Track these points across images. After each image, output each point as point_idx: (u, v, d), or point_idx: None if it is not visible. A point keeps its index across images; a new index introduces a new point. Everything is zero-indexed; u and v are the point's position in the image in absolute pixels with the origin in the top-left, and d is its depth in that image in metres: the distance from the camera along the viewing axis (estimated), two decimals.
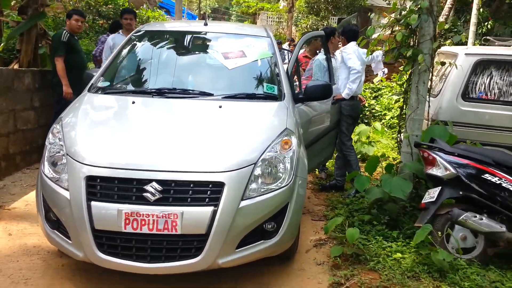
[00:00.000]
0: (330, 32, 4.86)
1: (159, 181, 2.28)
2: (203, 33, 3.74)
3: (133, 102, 2.90)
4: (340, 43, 4.98)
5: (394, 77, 9.60)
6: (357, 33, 4.76)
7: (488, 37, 5.78)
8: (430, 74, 3.79)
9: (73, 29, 5.11)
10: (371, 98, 8.89)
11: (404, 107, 3.96)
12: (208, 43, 3.65)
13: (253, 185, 2.44)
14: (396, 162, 4.55)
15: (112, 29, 6.04)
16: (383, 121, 8.23)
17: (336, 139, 4.72)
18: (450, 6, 11.53)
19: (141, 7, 13.18)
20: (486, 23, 12.72)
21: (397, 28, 3.95)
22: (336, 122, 4.54)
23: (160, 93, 3.03)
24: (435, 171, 3.19)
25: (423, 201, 3.22)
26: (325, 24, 20.81)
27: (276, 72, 3.39)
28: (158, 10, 15.57)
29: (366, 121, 8.26)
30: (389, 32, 4.07)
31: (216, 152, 2.48)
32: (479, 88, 4.72)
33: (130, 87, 3.26)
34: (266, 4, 28.91)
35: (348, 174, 4.51)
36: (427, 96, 3.78)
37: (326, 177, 5.34)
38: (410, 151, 3.75)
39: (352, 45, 4.54)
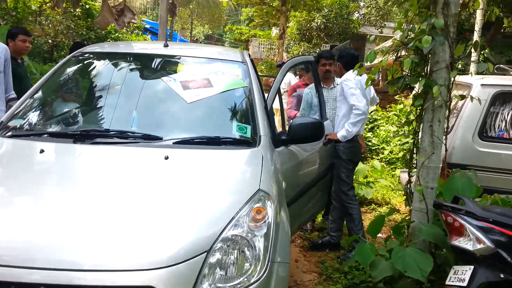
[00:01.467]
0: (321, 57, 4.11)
1: None
2: (160, 56, 2.95)
3: (42, 151, 2.04)
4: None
5: (390, 107, 8.89)
6: (356, 59, 4.01)
7: (501, 65, 5.08)
8: (447, 111, 3.01)
9: (19, 50, 4.32)
10: (367, 130, 8.17)
11: (415, 152, 3.15)
12: (165, 69, 2.85)
13: (205, 285, 1.60)
14: (405, 216, 3.72)
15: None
16: (380, 155, 7.47)
17: (330, 188, 3.89)
18: None
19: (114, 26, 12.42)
20: (482, 52, 12.27)
21: (403, 53, 3.20)
22: (329, 167, 3.72)
23: (85, 136, 2.20)
24: (464, 243, 2.35)
25: (448, 283, 2.38)
26: (317, 51, 20.40)
27: (251, 108, 2.59)
28: (143, 34, 14.93)
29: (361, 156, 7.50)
30: (391, 57, 3.33)
31: (147, 235, 1.62)
32: (499, 125, 3.96)
33: (47, 128, 2.40)
34: (259, 32, 28.69)
35: (349, 237, 3.65)
36: (444, 138, 3.00)
37: (312, 228, 4.48)
38: (424, 209, 2.92)
39: (353, 74, 3.74)
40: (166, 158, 2.03)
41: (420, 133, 3.08)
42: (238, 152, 2.23)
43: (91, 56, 2.92)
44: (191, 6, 28.38)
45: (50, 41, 11.69)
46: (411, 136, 3.13)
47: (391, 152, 7.12)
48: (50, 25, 12.07)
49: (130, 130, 2.28)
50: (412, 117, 3.17)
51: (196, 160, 2.12)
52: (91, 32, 12.04)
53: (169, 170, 2.00)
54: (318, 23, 19.81)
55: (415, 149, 3.15)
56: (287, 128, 4.91)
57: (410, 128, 3.29)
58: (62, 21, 11.67)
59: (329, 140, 3.56)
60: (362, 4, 22.77)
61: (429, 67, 3.02)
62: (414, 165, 3.20)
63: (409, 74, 3.12)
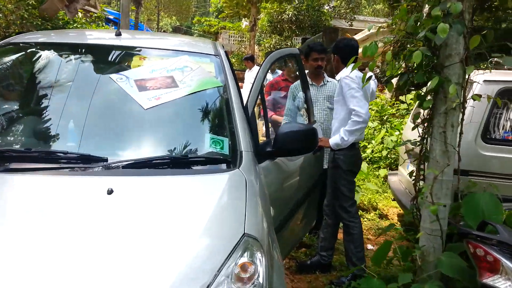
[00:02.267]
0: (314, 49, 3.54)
1: None
2: (110, 48, 2.31)
3: None
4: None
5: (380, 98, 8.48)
6: (357, 52, 3.37)
7: (496, 59, 4.68)
8: (461, 114, 2.53)
9: None
10: None
11: (422, 162, 2.66)
12: (115, 65, 2.21)
13: None
14: (397, 222, 3.24)
15: None
16: (362, 154, 7.05)
17: (320, 200, 3.37)
18: None
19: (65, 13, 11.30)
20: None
21: (409, 46, 2.69)
22: (318, 178, 3.19)
23: None
24: (500, 283, 1.88)
25: None
26: (288, 44, 19.90)
27: (228, 114, 2.01)
28: (106, 25, 13.90)
29: None
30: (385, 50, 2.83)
31: None
32: (503, 126, 3.54)
33: None
34: (228, 24, 27.92)
35: (351, 268, 3.12)
36: (457, 146, 2.52)
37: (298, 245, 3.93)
38: (437, 231, 2.44)
39: (354, 71, 3.12)
40: (110, 192, 1.42)
41: (429, 140, 2.59)
42: (213, 178, 1.64)
43: (17, 48, 2.24)
44: None
45: (1, 32, 10.63)
46: (418, 143, 2.64)
47: (372, 150, 6.70)
48: (0, 15, 10.98)
49: (62, 150, 1.65)
50: (417, 118, 2.67)
51: (153, 194, 1.51)
52: (48, 22, 11.03)
53: (113, 213, 1.39)
54: (290, 15, 19.30)
55: (422, 159, 2.66)
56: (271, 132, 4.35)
57: (415, 136, 2.79)
58: (14, 11, 10.61)
59: (319, 147, 3.00)
60: None
61: (438, 61, 2.53)
62: (421, 177, 2.71)
63: (414, 70, 2.61)
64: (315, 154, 2.94)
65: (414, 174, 2.73)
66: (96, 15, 11.54)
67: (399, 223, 4.80)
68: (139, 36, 2.63)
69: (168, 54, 2.34)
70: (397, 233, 4.53)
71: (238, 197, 1.56)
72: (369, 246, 4.08)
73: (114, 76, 2.04)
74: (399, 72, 2.73)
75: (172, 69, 2.16)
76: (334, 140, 3.06)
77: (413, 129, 2.76)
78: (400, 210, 4.99)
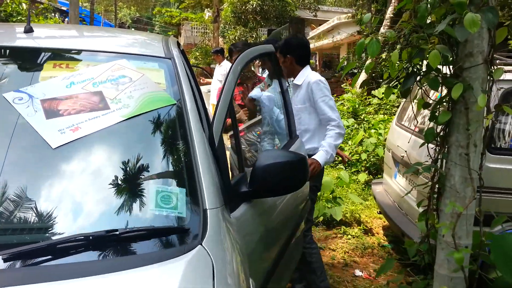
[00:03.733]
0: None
1: None
2: (11, 51, 1.60)
3: None
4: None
5: (336, 97, 7.97)
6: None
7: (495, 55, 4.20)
8: (484, 127, 2.01)
9: None
10: None
11: (436, 191, 2.12)
12: (15, 77, 1.51)
13: None
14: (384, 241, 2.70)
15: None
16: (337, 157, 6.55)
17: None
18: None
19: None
20: None
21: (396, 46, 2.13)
22: (305, 206, 2.59)
23: None
24: None
25: None
26: (254, 36, 19.24)
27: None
28: (60, 17, 12.72)
29: None
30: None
31: None
32: (510, 133, 3.08)
33: None
34: (191, 14, 26.84)
35: None
36: (480, 168, 1.99)
37: None
38: (462, 281, 1.91)
39: (316, 74, 2.69)
40: None
41: (444, 163, 2.05)
42: (160, 272, 1.00)
43: None
44: None
45: None
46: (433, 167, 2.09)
47: (350, 153, 6.21)
48: None
49: None
50: (429, 137, 2.11)
51: None
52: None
53: None
54: (254, 6, 18.60)
55: (436, 185, 2.11)
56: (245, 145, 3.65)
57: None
58: None
59: (311, 171, 2.42)
60: None
61: (457, 62, 1.98)
62: (433, 208, 2.17)
63: (424, 72, 2.06)
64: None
65: (424, 205, 2.18)
66: (42, 5, 10.44)
67: (385, 238, 4.32)
68: (60, 33, 1.92)
69: (99, 58, 1.65)
70: (385, 252, 4.06)
71: None
72: (357, 272, 3.56)
73: (9, 95, 1.35)
74: (403, 75, 2.18)
75: (102, 81, 1.49)
76: (322, 158, 2.50)
77: (421, 146, 2.21)
78: (385, 222, 4.51)
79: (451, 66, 2.00)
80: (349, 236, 4.22)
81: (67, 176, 1.20)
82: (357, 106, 7.04)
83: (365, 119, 6.79)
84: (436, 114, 2.05)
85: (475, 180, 1.93)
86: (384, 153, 4.79)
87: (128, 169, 1.27)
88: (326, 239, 4.19)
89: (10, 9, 10.20)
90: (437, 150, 2.09)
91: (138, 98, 1.46)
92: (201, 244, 1.10)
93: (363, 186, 5.59)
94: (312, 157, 2.50)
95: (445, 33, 1.88)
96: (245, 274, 1.33)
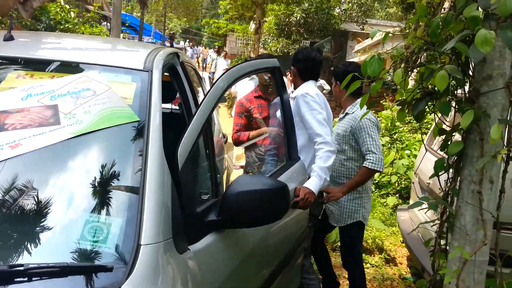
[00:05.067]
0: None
1: None
2: None
3: None
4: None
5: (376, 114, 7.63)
6: (319, 67, 2.74)
7: None
8: (504, 162, 1.73)
9: None
10: None
11: (444, 231, 1.85)
12: None
13: None
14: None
15: None
16: None
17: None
18: None
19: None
20: None
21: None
22: (299, 240, 2.37)
23: None
24: None
25: None
26: (296, 48, 19.12)
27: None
28: (99, 25, 13.18)
29: None
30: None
31: None
32: None
33: None
34: (237, 26, 27.23)
35: None
36: (497, 208, 1.72)
37: None
38: None
39: (314, 88, 2.53)
40: None
41: (455, 201, 1.79)
42: None
43: None
44: None
45: None
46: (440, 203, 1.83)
47: (380, 173, 5.87)
48: None
49: None
50: (439, 168, 1.85)
51: None
52: (38, 22, 10.37)
53: None
54: (298, 18, 18.51)
55: (445, 228, 1.85)
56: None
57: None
58: None
59: (301, 202, 2.17)
60: None
61: (471, 86, 1.73)
62: (442, 248, 1.90)
63: (436, 95, 1.82)
64: (294, 208, 2.14)
65: (431, 244, 1.92)
66: (89, 14, 10.87)
67: (409, 269, 3.98)
68: (42, 42, 1.87)
69: (69, 69, 1.57)
70: (406, 285, 3.73)
71: None
72: None
73: None
74: (414, 97, 1.94)
75: (61, 94, 1.40)
76: (315, 186, 2.25)
77: (431, 177, 1.95)
78: None
79: (466, 89, 1.75)
80: (368, 265, 3.92)
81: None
82: (393, 124, 6.66)
83: (398, 138, 6.41)
84: (449, 143, 1.80)
85: (488, 221, 1.66)
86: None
87: (59, 193, 1.15)
88: (342, 266, 3.92)
89: (60, 17, 10.70)
90: (449, 184, 1.83)
91: (95, 114, 1.35)
92: (122, 286, 0.95)
93: (391, 210, 5.24)
94: (304, 184, 2.24)
95: (459, 52, 1.65)
96: None
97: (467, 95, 1.73)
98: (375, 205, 5.19)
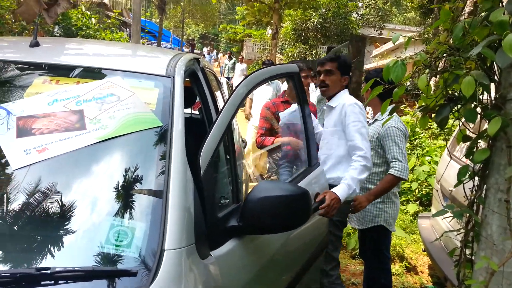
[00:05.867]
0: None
1: None
2: (9, 64, 1.59)
3: None
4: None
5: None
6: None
7: None
8: None
9: None
10: None
11: (469, 241, 1.81)
12: (5, 92, 1.48)
13: None
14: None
15: None
16: None
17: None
18: None
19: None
20: None
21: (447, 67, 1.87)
22: (322, 243, 2.35)
23: None
24: None
25: None
26: (313, 53, 19.07)
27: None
28: (119, 31, 13.41)
29: None
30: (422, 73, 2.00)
31: None
32: None
33: None
34: (254, 31, 27.35)
35: None
36: None
37: None
38: None
39: (352, 97, 2.50)
40: None
41: (480, 210, 1.75)
42: None
43: None
44: (182, 4, 27.01)
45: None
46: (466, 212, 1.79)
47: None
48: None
49: None
50: (463, 176, 1.82)
51: None
52: (60, 27, 10.59)
53: None
54: (315, 23, 18.48)
55: (471, 236, 1.81)
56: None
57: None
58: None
59: (326, 208, 2.15)
60: (360, 4, 21.54)
61: (498, 93, 1.69)
62: (467, 258, 1.86)
63: (461, 101, 1.79)
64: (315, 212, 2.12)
65: (456, 254, 1.88)
66: (109, 21, 11.06)
67: (430, 278, 3.90)
68: (66, 48, 1.91)
69: (93, 74, 1.60)
70: None
71: None
72: None
73: None
74: (438, 103, 1.91)
75: (87, 99, 1.42)
76: (343, 193, 2.23)
77: (455, 186, 1.91)
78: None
79: (492, 96, 1.71)
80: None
81: (18, 199, 1.12)
82: (413, 129, 6.56)
83: (419, 144, 6.31)
84: (474, 150, 1.76)
85: None
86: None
87: (84, 197, 1.17)
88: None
89: (81, 23, 10.91)
90: (474, 192, 1.79)
91: (120, 119, 1.36)
92: None
93: (412, 218, 5.16)
94: (332, 189, 2.25)
95: (485, 58, 1.61)
96: None
97: (494, 101, 1.69)
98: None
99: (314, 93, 6.00)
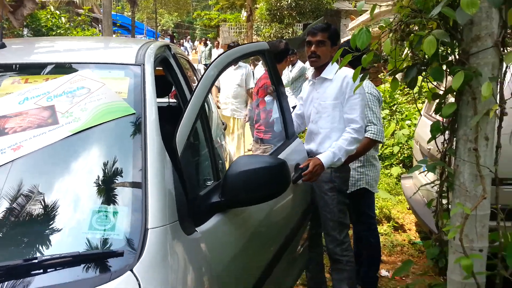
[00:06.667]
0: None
1: None
2: None
3: None
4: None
5: None
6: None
7: None
8: (498, 119, 1.75)
9: None
10: None
11: (444, 191, 1.89)
12: None
13: None
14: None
15: None
16: None
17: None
18: None
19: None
20: None
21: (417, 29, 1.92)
22: (305, 214, 2.41)
23: None
24: None
25: None
26: (290, 32, 18.99)
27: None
28: (115, 31, 13.17)
29: None
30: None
31: None
32: None
33: None
34: (228, 15, 27.05)
35: None
36: (495, 164, 1.75)
37: None
38: (474, 285, 1.69)
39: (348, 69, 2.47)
40: None
41: (453, 160, 1.82)
42: None
43: None
44: None
45: None
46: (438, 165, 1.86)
47: (383, 145, 5.89)
48: None
49: None
50: (435, 131, 1.89)
51: None
52: (29, 29, 10.36)
53: None
54: (289, 1, 18.35)
55: (444, 184, 1.88)
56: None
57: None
58: None
59: (308, 174, 2.23)
60: None
61: (460, 47, 1.75)
62: (445, 208, 1.95)
63: (427, 61, 1.84)
64: (296, 182, 2.18)
65: (434, 205, 1.96)
66: (79, 18, 10.84)
67: (418, 234, 4.03)
68: (33, 47, 1.90)
69: (62, 70, 1.60)
70: (416, 249, 3.78)
71: None
72: (383, 272, 3.33)
73: None
74: (405, 66, 1.96)
75: (57, 94, 1.43)
76: (327, 159, 2.29)
77: (429, 141, 1.98)
78: None
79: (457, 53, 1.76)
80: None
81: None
82: (391, 96, 6.65)
83: (398, 110, 6.42)
84: (443, 106, 1.82)
85: (487, 177, 1.69)
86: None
87: (65, 189, 1.20)
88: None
89: (51, 23, 10.69)
90: (445, 145, 1.86)
91: (91, 110, 1.38)
92: (131, 270, 1.00)
93: (396, 180, 5.28)
94: (317, 155, 2.31)
95: (446, 17, 1.66)
96: None
97: (458, 57, 1.75)
98: (380, 177, 5.21)
99: (286, 71, 5.94)
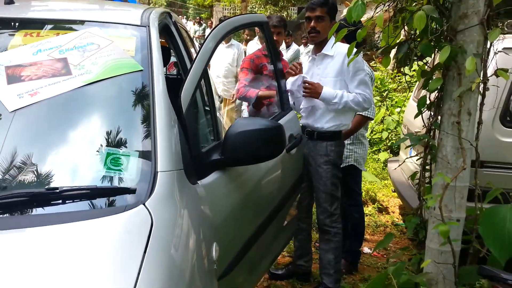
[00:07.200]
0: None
1: None
2: None
3: None
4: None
5: None
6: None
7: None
8: (481, 95, 1.88)
9: None
10: None
11: (428, 162, 2.03)
12: None
13: None
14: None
15: None
16: None
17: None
18: None
19: None
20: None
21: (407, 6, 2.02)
22: (296, 183, 2.53)
23: None
24: None
25: None
26: (284, 15, 18.92)
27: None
28: None
29: None
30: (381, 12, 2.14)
31: None
32: None
33: None
34: None
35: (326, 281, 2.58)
36: (476, 138, 1.88)
37: None
38: (450, 254, 1.84)
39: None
40: None
41: (437, 134, 1.95)
42: (89, 227, 1.01)
43: None
44: None
45: None
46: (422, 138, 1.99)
47: (372, 130, 6.04)
48: None
49: None
50: (422, 102, 2.01)
51: None
52: None
53: None
54: None
55: (428, 157, 2.02)
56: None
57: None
58: None
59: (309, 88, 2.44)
60: None
61: (448, 25, 1.86)
62: (427, 181, 2.08)
63: (417, 38, 1.95)
64: (289, 152, 2.29)
65: (417, 177, 2.10)
66: None
67: (401, 217, 4.21)
68: (41, 4, 1.95)
69: (71, 26, 1.67)
70: (398, 230, 3.96)
71: (129, 257, 0.95)
72: (365, 249, 3.49)
73: None
74: (397, 42, 2.07)
75: (69, 48, 1.50)
76: (327, 93, 2.45)
77: (415, 116, 2.11)
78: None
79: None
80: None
81: (19, 135, 1.24)
82: (381, 82, 6.78)
83: (388, 96, 6.56)
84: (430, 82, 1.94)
85: (468, 150, 1.82)
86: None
87: (83, 131, 1.30)
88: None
89: None
90: (430, 119, 1.99)
91: (102, 64, 1.46)
92: (144, 204, 1.10)
93: (383, 165, 5.45)
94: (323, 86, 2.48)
95: None
96: (204, 239, 1.33)
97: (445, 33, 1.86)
98: (367, 161, 5.37)
99: (284, 52, 5.98)
